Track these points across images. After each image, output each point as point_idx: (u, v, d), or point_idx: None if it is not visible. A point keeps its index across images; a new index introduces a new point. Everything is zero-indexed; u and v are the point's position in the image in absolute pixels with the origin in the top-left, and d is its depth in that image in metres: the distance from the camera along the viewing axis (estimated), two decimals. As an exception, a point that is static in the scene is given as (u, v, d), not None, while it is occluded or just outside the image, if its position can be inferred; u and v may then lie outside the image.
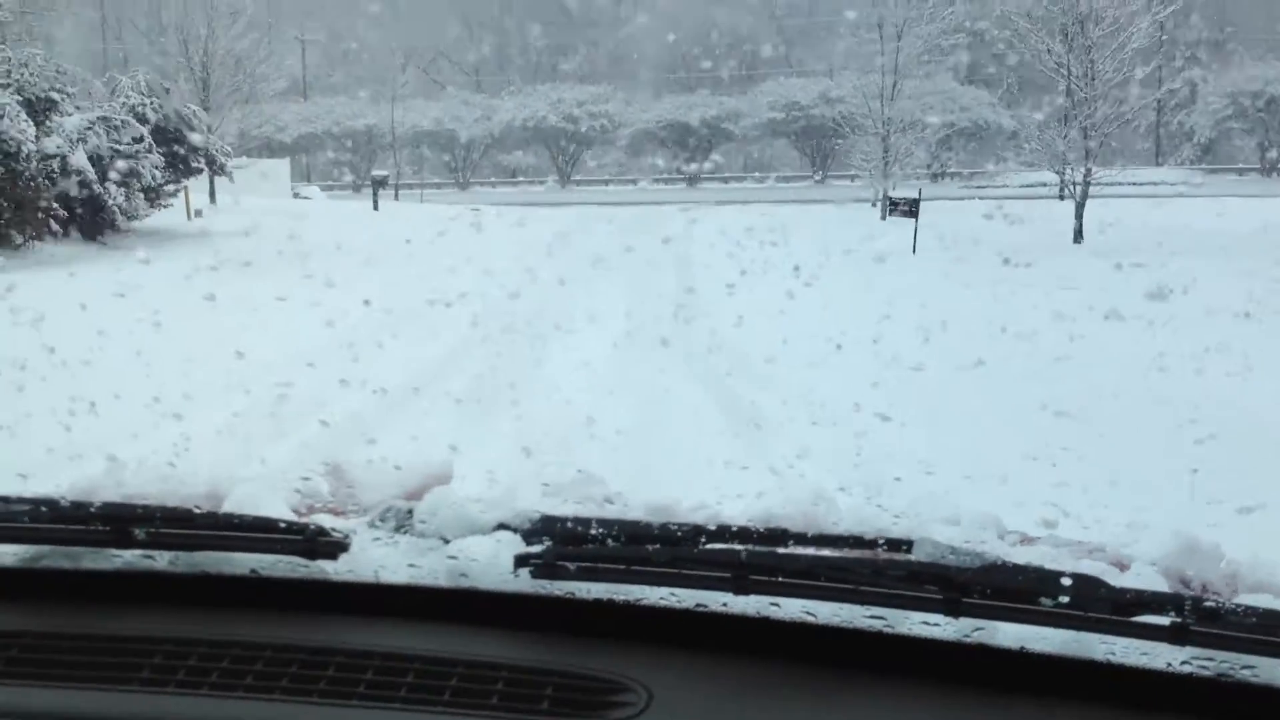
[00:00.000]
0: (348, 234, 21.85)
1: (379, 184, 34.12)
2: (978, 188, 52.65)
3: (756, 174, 59.00)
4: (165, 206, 21.76)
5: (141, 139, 19.24)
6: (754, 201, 44.33)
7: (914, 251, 19.27)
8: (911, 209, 19.38)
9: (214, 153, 21.91)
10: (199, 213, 25.73)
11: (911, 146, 32.44)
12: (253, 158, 46.27)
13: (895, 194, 20.41)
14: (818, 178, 56.12)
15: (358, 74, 62.98)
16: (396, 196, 45.43)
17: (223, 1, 30.21)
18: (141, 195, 19.73)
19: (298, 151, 59.48)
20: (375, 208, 33.35)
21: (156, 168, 20.49)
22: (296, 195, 44.00)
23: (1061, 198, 43.50)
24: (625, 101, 58.40)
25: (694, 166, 57.19)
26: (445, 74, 72.36)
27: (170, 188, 21.78)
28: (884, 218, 31.57)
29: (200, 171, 22.07)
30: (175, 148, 21.45)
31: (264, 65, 31.62)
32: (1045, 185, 51.00)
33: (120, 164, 18.58)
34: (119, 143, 18.81)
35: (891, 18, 30.61)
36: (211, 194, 30.29)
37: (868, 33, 31.72)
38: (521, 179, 60.71)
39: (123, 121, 19.07)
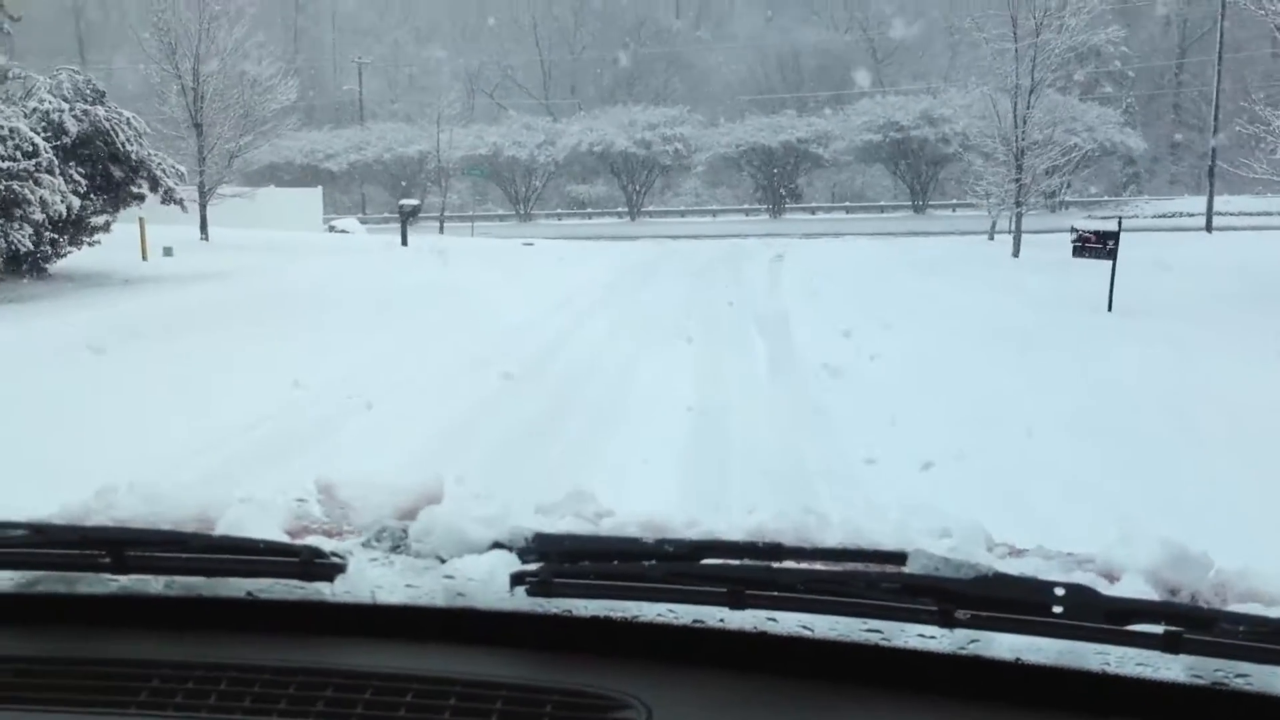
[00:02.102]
0: (323, 285, 16.68)
1: (408, 215, 28.99)
2: (1102, 219, 46.15)
3: (847, 203, 52.98)
4: (91, 244, 16.74)
5: (35, 153, 14.19)
6: (847, 234, 38.64)
7: (1110, 308, 13.36)
8: (1107, 246, 13.46)
9: (160, 174, 16.82)
10: (169, 251, 20.77)
11: (1047, 171, 26.49)
12: (281, 186, 41.96)
13: (1081, 224, 14.41)
14: (917, 206, 50.03)
15: (420, 101, 58.53)
16: (441, 229, 40.46)
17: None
18: (39, 230, 14.66)
19: (349, 181, 55.16)
20: (404, 243, 28.27)
21: (77, 194, 15.48)
22: (331, 229, 39.35)
23: (1209, 230, 37.41)
24: (702, 124, 52.78)
25: (779, 195, 51.45)
26: (512, 98, 67.79)
27: (101, 219, 16.75)
28: (1016, 254, 25.87)
29: (142, 199, 17.01)
30: (111, 168, 16.44)
31: (263, 65, 26.45)
32: (1183, 215, 44.66)
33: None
34: (2, 159, 13.79)
35: (1026, 14, 24.78)
36: (203, 227, 25.45)
37: (996, 29, 25.84)
38: (590, 209, 55.42)
39: (10, 130, 14.05)
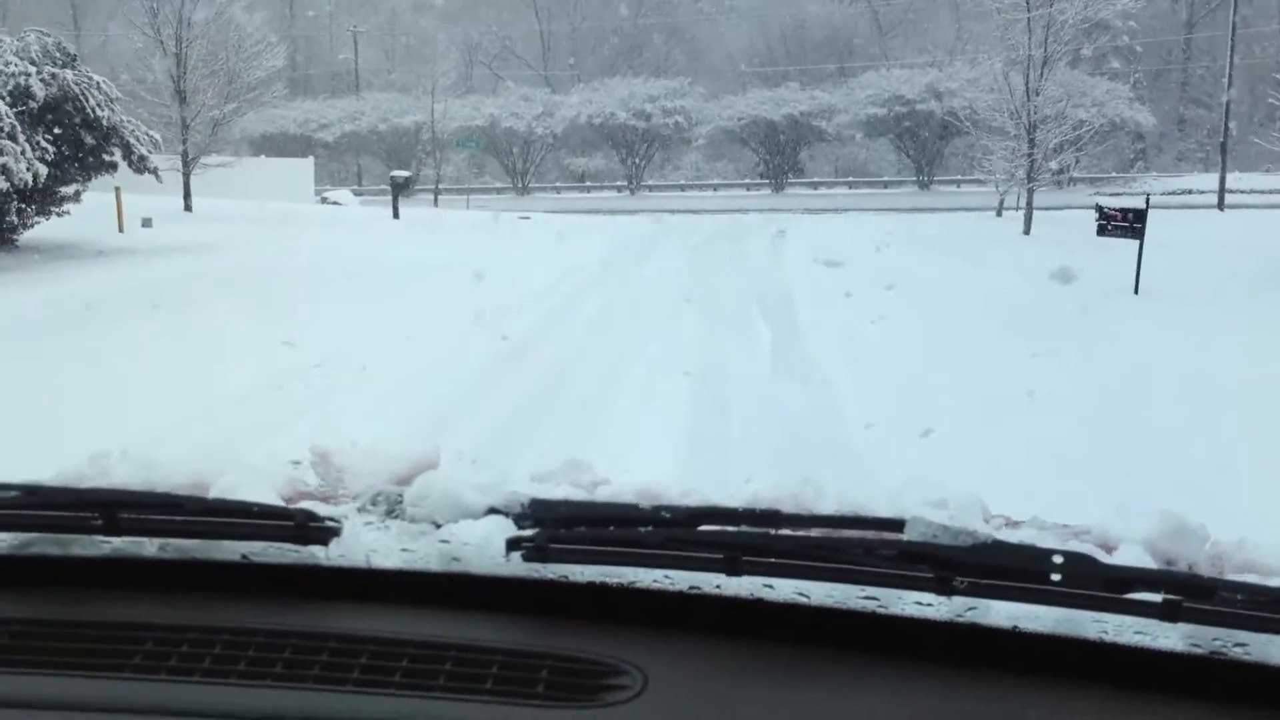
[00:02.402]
0: (304, 259, 15.91)
1: (400, 187, 28.13)
2: (1111, 195, 45.19)
3: (851, 178, 52.01)
4: (60, 214, 15.94)
5: (-4, 118, 13.37)
6: (850, 210, 37.76)
7: (1136, 291, 12.59)
8: (1133, 224, 12.65)
9: (132, 141, 16.00)
10: (148, 222, 19.98)
11: (1058, 147, 25.62)
12: (269, 155, 41.05)
13: (1106, 201, 13.58)
14: (922, 182, 49.09)
15: (417, 71, 57.31)
16: (436, 202, 39.59)
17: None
18: (4, 199, 13.88)
19: (344, 152, 54.16)
20: (395, 215, 27.46)
21: (44, 161, 14.68)
22: (324, 200, 38.49)
23: (1221, 207, 36.62)
24: (704, 96, 51.70)
25: (781, 170, 50.50)
26: (511, 69, 66.64)
27: (70, 189, 15.95)
28: (1027, 231, 25.11)
29: (114, 167, 16.19)
30: (81, 134, 15.62)
31: (249, 30, 25.45)
32: (1192, 192, 43.87)
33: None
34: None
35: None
36: (186, 198, 24.61)
37: (1008, -4, 24.95)
38: (589, 183, 54.45)
39: (-32, 93, 13.23)
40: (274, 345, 9.02)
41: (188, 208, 24.47)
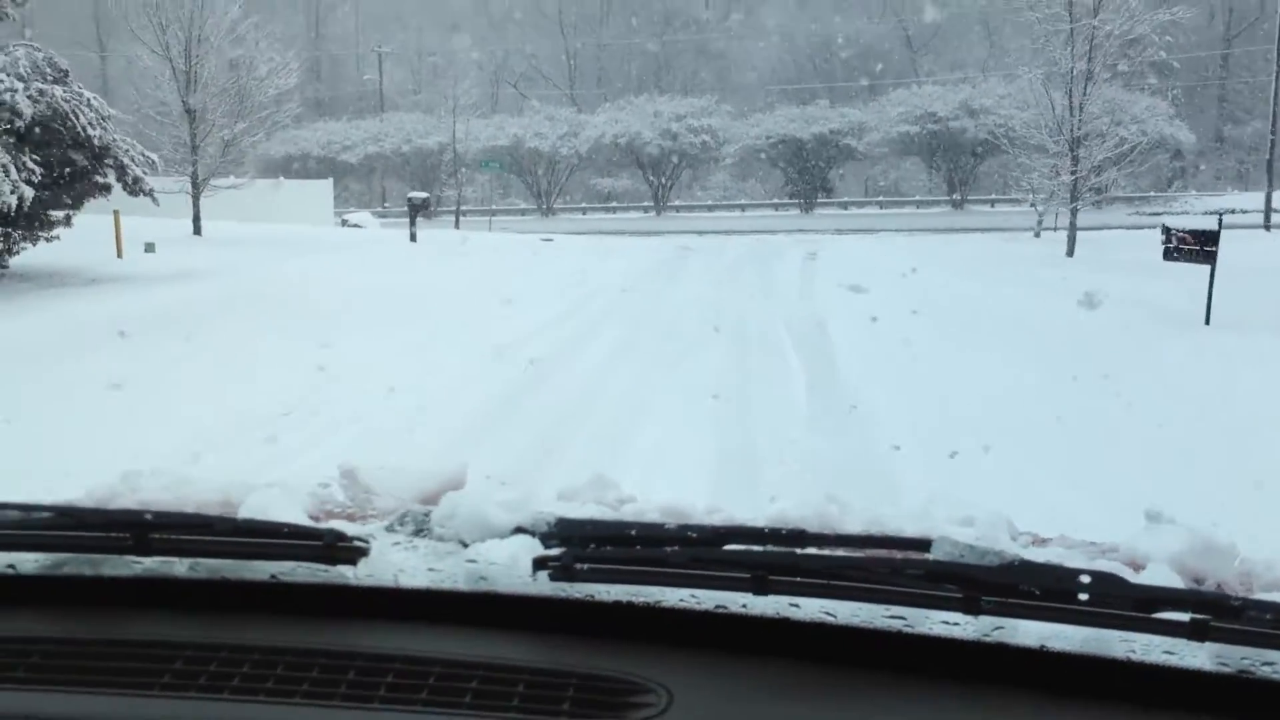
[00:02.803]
0: (303, 285, 15.03)
1: (418, 208, 27.30)
2: (1151, 214, 43.93)
3: (881, 198, 50.87)
4: (49, 239, 15.13)
5: (-27, 138, 12.56)
6: (882, 230, 36.66)
7: (1208, 321, 11.46)
8: (1203, 247, 11.53)
9: (126, 162, 15.17)
10: (150, 247, 19.19)
11: (1097, 168, 24.42)
12: (292, 178, 40.46)
13: (1174, 222, 12.46)
14: (955, 201, 47.87)
15: (443, 91, 56.63)
16: (457, 224, 38.79)
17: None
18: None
19: (369, 173, 53.63)
20: (412, 239, 26.62)
21: (31, 183, 13.86)
22: (344, 222, 37.81)
23: (1268, 228, 35.22)
24: (731, 115, 50.70)
25: (810, 189, 49.41)
26: (537, 89, 65.97)
27: (59, 213, 15.14)
28: (1070, 253, 23.95)
29: (107, 189, 15.38)
30: (72, 155, 14.82)
31: (260, 48, 24.67)
32: (1235, 212, 42.51)
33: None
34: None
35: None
36: (195, 221, 23.85)
37: (1049, 8, 23.83)
38: (614, 203, 53.54)
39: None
40: (230, 389, 8.07)
41: (196, 231, 23.70)
